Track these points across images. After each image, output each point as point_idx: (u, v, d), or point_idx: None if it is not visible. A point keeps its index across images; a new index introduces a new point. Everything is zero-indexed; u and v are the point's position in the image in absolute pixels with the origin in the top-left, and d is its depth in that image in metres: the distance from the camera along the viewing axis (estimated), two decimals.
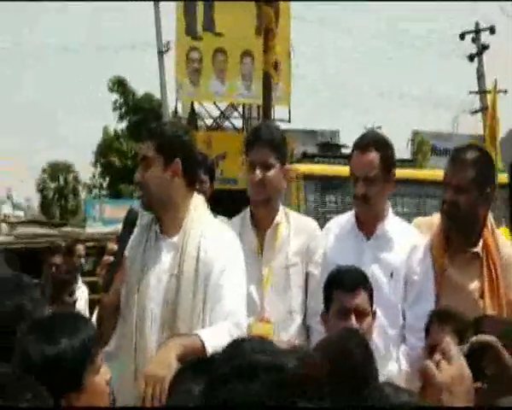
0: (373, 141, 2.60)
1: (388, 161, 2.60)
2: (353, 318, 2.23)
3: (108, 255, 2.20)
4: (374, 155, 2.55)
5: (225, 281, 2.20)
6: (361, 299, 2.27)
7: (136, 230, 2.30)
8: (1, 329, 1.70)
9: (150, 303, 2.20)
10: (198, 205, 2.30)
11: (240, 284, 2.24)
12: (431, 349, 2.32)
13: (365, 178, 2.56)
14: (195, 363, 1.40)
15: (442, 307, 2.47)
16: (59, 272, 4.24)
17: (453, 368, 1.30)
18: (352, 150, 2.64)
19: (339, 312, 2.27)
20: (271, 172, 2.53)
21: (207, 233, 2.25)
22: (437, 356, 1.32)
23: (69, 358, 1.53)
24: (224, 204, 3.73)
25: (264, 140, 2.53)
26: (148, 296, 2.21)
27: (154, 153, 2.24)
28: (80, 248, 6.49)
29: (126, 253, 2.22)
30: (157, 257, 2.25)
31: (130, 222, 2.24)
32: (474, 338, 1.54)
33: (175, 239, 2.25)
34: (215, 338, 2.03)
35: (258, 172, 2.51)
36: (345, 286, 2.27)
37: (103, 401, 1.62)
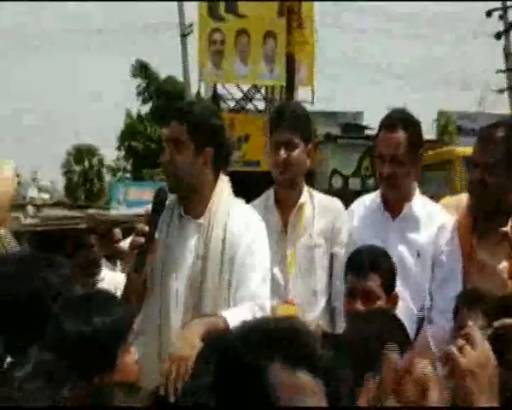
0: (400, 120, 2.53)
1: (416, 140, 2.54)
2: (359, 301, 2.19)
3: (139, 236, 2.17)
4: (401, 135, 2.50)
5: (250, 262, 2.19)
6: (370, 283, 2.21)
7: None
8: (30, 304, 1.72)
9: (175, 283, 2.20)
10: (223, 188, 2.30)
11: (264, 265, 2.23)
12: (459, 330, 2.29)
13: (392, 158, 2.50)
14: (214, 339, 1.39)
15: (471, 288, 2.43)
16: (90, 253, 4.27)
17: (477, 353, 1.28)
18: (379, 129, 2.59)
19: (347, 293, 2.25)
20: (296, 152, 2.50)
21: (233, 215, 2.24)
22: (460, 341, 1.30)
23: (104, 337, 1.54)
24: (248, 186, 3.72)
25: (288, 120, 2.50)
26: (173, 276, 2.20)
27: (186, 137, 2.21)
28: (117, 231, 6.41)
29: (157, 234, 2.20)
30: (181, 238, 2.24)
31: (159, 202, 2.21)
32: (497, 322, 1.50)
33: (200, 220, 2.25)
34: (238, 319, 2.02)
35: (282, 152, 2.48)
36: (354, 269, 2.25)
37: (133, 379, 1.63)
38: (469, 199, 2.60)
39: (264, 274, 2.22)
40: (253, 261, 2.19)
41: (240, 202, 2.35)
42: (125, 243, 4.20)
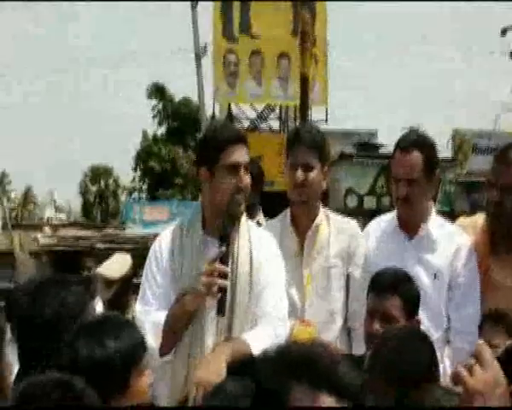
0: (416, 141, 2.54)
1: (431, 161, 2.54)
2: (376, 322, 2.18)
3: (220, 278, 2.11)
4: (417, 156, 2.50)
5: (267, 279, 2.22)
6: (388, 304, 2.19)
7: (172, 231, 2.31)
8: (45, 324, 1.75)
9: (206, 310, 2.20)
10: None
11: (280, 281, 2.26)
12: None
13: (408, 180, 2.51)
14: (237, 365, 1.42)
15: (495, 308, 2.42)
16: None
17: (487, 373, 1.27)
18: (395, 150, 2.60)
19: (367, 314, 2.25)
20: (313, 174, 2.52)
21: (254, 239, 2.28)
22: (470, 361, 1.30)
23: (117, 361, 1.57)
24: (262, 206, 3.73)
25: (306, 141, 2.52)
26: (204, 303, 2.19)
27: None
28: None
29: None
30: (206, 260, 2.23)
31: (224, 238, 2.18)
32: (509, 342, 1.49)
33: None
34: (261, 342, 2.03)
35: (299, 173, 2.50)
36: (375, 289, 2.24)
37: (144, 402, 1.65)
38: (487, 220, 2.60)
39: (281, 290, 2.24)
40: (269, 279, 2.22)
41: (251, 223, 2.39)
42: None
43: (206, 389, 1.91)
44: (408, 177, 2.51)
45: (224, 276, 2.12)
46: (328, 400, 1.10)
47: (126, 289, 4.18)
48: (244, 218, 2.32)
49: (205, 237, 2.28)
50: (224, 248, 2.16)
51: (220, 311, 2.14)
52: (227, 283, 2.12)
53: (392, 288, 2.21)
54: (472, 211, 4.08)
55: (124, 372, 1.59)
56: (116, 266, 4.18)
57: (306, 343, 1.20)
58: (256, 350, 2.01)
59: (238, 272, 2.21)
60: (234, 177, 2.21)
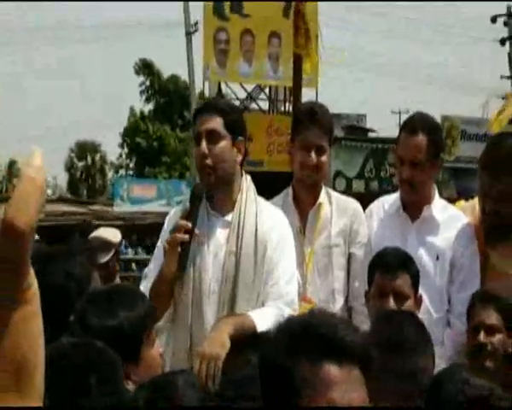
0: (421, 123, 2.54)
1: (437, 144, 2.55)
2: (391, 299, 2.21)
3: (181, 233, 2.16)
4: (422, 139, 2.50)
5: (279, 259, 2.21)
6: (401, 281, 2.23)
7: (181, 206, 2.30)
8: (54, 292, 1.74)
9: (208, 279, 2.21)
10: (249, 186, 2.32)
11: (292, 263, 2.25)
12: (475, 330, 2.30)
13: (412, 162, 2.51)
14: (253, 338, 1.43)
15: (485, 288, 2.45)
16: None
17: None
18: (400, 131, 2.60)
19: (378, 293, 2.25)
20: (325, 157, 2.52)
21: (262, 214, 2.26)
22: None
23: (127, 330, 1.57)
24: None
25: (322, 124, 2.50)
26: (205, 272, 2.21)
27: (223, 129, 2.22)
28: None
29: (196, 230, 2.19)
30: (211, 234, 2.25)
31: (197, 197, 2.22)
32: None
33: (228, 217, 2.26)
34: (266, 319, 2.04)
35: (313, 155, 2.49)
36: (384, 268, 2.26)
37: (157, 373, 1.64)
38: (483, 229, 2.59)
39: (291, 272, 2.23)
40: (281, 259, 2.21)
41: (265, 201, 2.37)
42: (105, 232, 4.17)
43: (209, 360, 1.92)
44: (412, 159, 2.51)
45: (188, 232, 2.15)
46: (331, 367, 1.11)
47: (117, 257, 4.21)
48: (253, 192, 2.31)
49: (209, 210, 2.29)
50: (187, 204, 2.21)
51: (180, 266, 2.16)
52: (186, 237, 2.14)
53: (401, 266, 2.25)
54: (459, 197, 4.10)
55: (135, 341, 1.59)
56: (111, 231, 4.21)
57: (305, 314, 1.22)
58: (260, 327, 2.02)
59: (242, 244, 2.21)
60: (197, 145, 2.24)
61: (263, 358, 1.16)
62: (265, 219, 2.25)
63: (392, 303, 2.20)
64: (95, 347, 1.29)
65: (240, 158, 2.27)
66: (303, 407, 1.09)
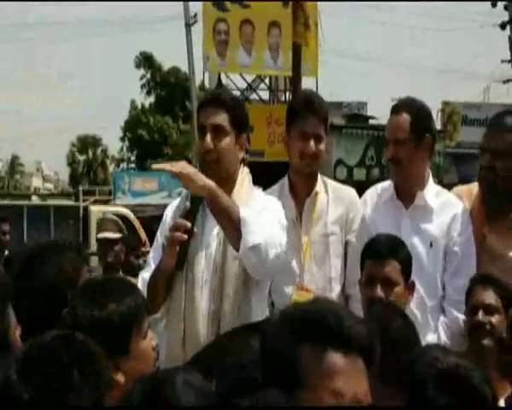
0: (405, 104, 2.57)
1: (420, 125, 2.55)
2: (379, 287, 2.21)
3: (180, 232, 2.14)
4: (404, 117, 2.53)
5: (266, 213, 2.19)
6: (389, 268, 2.23)
7: (179, 199, 2.31)
8: (46, 291, 1.76)
9: (200, 269, 2.22)
10: (245, 178, 2.33)
11: (280, 220, 2.21)
12: (474, 310, 2.32)
13: (395, 141, 2.53)
14: (256, 324, 1.45)
15: (484, 272, 2.45)
16: None
17: None
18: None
19: (367, 280, 2.26)
20: (323, 145, 2.53)
21: (254, 201, 2.27)
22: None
23: (116, 322, 1.56)
24: (252, 176, 3.69)
25: (319, 113, 2.51)
26: (198, 263, 2.22)
27: (228, 125, 2.24)
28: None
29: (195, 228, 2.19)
30: (204, 225, 2.26)
31: (198, 197, 2.19)
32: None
33: None
34: (250, 213, 2.09)
35: (312, 143, 2.50)
36: (373, 255, 2.27)
37: (149, 366, 1.65)
38: (479, 186, 2.61)
39: (281, 225, 2.20)
40: (267, 214, 2.19)
41: (261, 191, 2.37)
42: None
43: (182, 175, 2.08)
44: (394, 137, 2.54)
45: (187, 231, 2.14)
46: (336, 356, 1.11)
47: (126, 249, 4.24)
48: (247, 183, 2.32)
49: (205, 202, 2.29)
50: (187, 204, 2.20)
51: (177, 264, 2.17)
52: (185, 236, 2.14)
53: (390, 253, 2.25)
54: (460, 182, 4.10)
55: (125, 333, 1.58)
56: (112, 225, 4.23)
57: (309, 302, 1.22)
58: (243, 214, 2.08)
59: None
60: (201, 138, 2.25)
61: (265, 344, 1.16)
62: (256, 204, 2.25)
63: (379, 290, 2.20)
64: (76, 339, 1.28)
65: (242, 155, 2.29)
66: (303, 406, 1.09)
